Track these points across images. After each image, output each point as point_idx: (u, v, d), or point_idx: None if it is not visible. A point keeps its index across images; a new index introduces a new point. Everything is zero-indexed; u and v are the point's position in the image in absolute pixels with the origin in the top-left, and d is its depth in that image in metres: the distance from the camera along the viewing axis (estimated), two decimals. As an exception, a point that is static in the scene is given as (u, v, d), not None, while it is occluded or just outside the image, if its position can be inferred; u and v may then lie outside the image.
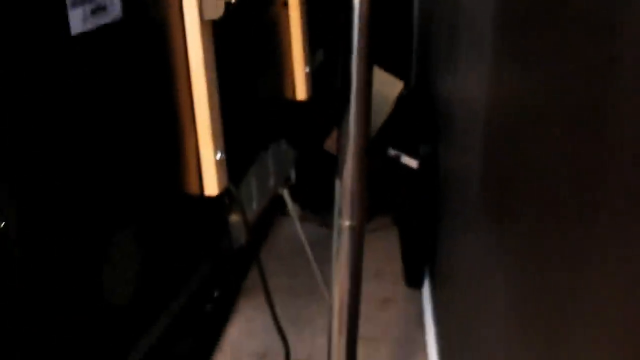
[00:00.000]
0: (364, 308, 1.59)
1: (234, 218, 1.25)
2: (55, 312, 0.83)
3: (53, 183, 0.81)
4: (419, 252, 2.82)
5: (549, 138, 0.92)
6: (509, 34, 1.30)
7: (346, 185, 1.47)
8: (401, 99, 2.80)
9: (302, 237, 2.16)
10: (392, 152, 2.76)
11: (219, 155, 1.12)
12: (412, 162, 2.73)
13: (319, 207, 3.04)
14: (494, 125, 1.44)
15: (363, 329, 1.62)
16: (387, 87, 2.76)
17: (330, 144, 1.91)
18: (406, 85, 3.00)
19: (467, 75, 1.94)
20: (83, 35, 0.85)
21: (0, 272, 0.75)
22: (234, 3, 1.05)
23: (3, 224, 0.75)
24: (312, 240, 2.23)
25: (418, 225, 2.76)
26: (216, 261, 1.22)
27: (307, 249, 2.16)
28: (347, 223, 1.49)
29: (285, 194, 1.66)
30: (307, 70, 1.50)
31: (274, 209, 3.05)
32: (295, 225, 2.16)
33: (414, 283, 2.85)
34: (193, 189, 1.11)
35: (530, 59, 1.07)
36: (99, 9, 0.88)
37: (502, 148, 1.35)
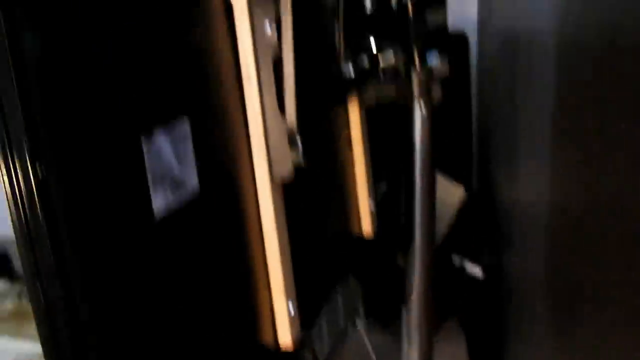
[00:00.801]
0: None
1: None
2: None
3: (148, 337, 0.86)
4: (486, 357, 2.81)
5: (609, 245, 0.93)
6: (568, 138, 1.32)
7: (414, 313, 1.50)
8: (463, 206, 2.82)
9: (370, 349, 2.17)
10: (456, 260, 2.77)
11: (292, 308, 1.15)
12: (476, 271, 2.73)
13: (386, 317, 3.05)
14: (556, 232, 1.46)
15: None
16: (449, 194, 2.78)
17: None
18: (468, 191, 3.02)
19: (527, 178, 1.96)
20: (165, 215, 0.91)
21: None
22: (303, 165, 1.10)
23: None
24: (379, 351, 2.24)
25: (485, 332, 2.75)
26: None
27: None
28: (415, 351, 1.51)
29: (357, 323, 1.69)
30: (372, 205, 1.54)
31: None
32: (362, 336, 2.17)
33: (483, 389, 2.83)
34: (268, 340, 1.15)
35: (591, 163, 1.09)
36: (178, 186, 0.94)
37: (565, 255, 1.37)
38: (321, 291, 1.37)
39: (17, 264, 4.24)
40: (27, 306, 3.01)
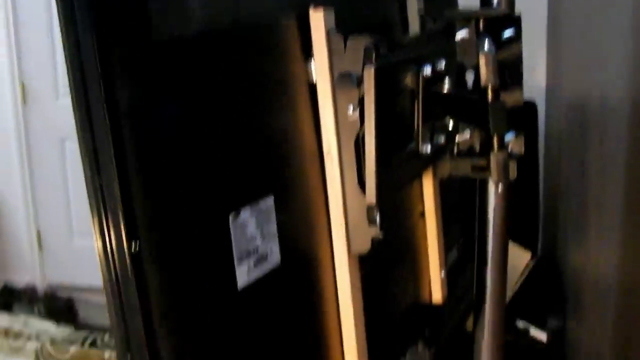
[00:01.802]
0: None
1: None
2: None
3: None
4: None
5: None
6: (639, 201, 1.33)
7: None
8: (529, 270, 2.82)
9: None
10: (520, 323, 2.76)
11: (364, 376, 1.18)
12: (541, 335, 2.72)
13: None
14: (625, 303, 1.46)
15: None
16: (515, 258, 2.78)
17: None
18: (533, 255, 3.02)
19: (596, 245, 1.96)
20: (247, 286, 0.94)
21: None
22: (380, 238, 1.13)
23: None
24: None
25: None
26: None
27: None
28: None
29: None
30: (443, 274, 1.56)
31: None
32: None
33: None
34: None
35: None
36: (261, 260, 0.97)
37: (633, 328, 1.37)
38: (391, 357, 1.39)
39: (82, 312, 4.31)
40: (89, 352, 3.07)
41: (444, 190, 1.56)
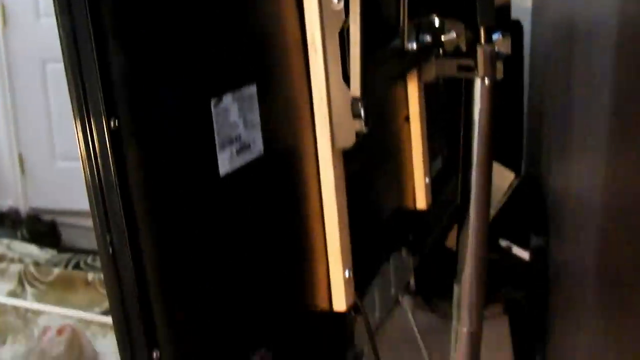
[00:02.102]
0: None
1: (359, 327, 1.30)
2: None
3: (200, 305, 0.89)
4: (530, 342, 2.81)
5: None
6: (626, 127, 1.32)
7: (465, 290, 1.51)
8: (512, 190, 2.82)
9: (414, 328, 2.19)
10: (503, 243, 2.78)
11: (347, 273, 1.17)
12: (523, 254, 2.74)
13: (430, 294, 3.06)
14: (609, 220, 1.46)
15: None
16: (499, 178, 2.79)
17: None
18: (517, 175, 3.02)
19: (581, 166, 1.96)
20: (229, 174, 0.93)
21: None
22: (365, 133, 1.11)
23: (159, 353, 0.82)
24: (425, 328, 2.26)
25: (529, 315, 2.76)
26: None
27: (419, 338, 2.18)
28: (465, 329, 1.52)
29: (404, 298, 1.71)
30: (428, 180, 1.56)
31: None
32: (408, 316, 2.19)
33: (525, 374, 2.84)
34: (323, 305, 1.17)
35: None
36: (243, 148, 0.96)
37: (616, 243, 1.37)
38: (375, 259, 1.39)
39: (65, 235, 4.30)
40: (72, 274, 3.06)
41: (430, 97, 1.54)
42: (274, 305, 1.05)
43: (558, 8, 2.64)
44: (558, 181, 2.47)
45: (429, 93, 1.53)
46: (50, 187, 4.40)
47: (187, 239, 0.87)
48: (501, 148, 2.86)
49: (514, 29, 3.24)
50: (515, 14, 3.36)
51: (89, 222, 0.81)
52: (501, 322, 2.97)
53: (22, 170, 4.52)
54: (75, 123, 0.78)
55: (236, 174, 0.95)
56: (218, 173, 0.92)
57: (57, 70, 4.11)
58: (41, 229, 4.41)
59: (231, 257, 0.95)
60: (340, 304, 1.19)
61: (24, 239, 4.26)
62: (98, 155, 0.77)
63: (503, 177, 2.82)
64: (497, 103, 1.32)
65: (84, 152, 0.78)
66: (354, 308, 1.24)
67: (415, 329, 2.19)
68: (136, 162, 0.79)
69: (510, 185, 2.84)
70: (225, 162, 0.93)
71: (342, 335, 1.25)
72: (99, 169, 0.78)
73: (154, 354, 0.82)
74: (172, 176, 0.84)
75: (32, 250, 3.94)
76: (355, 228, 1.21)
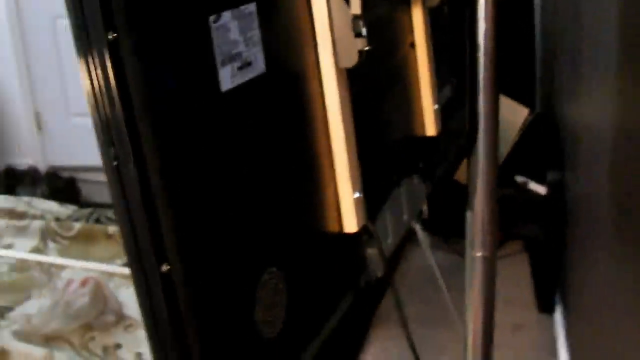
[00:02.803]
0: (496, 334, 1.61)
1: (371, 252, 1.30)
2: (215, 344, 0.90)
3: (209, 222, 0.89)
4: (550, 277, 2.82)
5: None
6: (635, 57, 1.31)
7: (477, 216, 1.51)
8: (527, 126, 2.82)
9: (434, 266, 2.20)
10: (520, 179, 2.77)
11: (357, 195, 1.18)
12: (540, 189, 2.74)
13: (449, 234, 3.07)
14: (621, 150, 1.46)
15: (495, 355, 1.64)
16: (513, 114, 2.78)
17: (459, 174, 1.95)
18: (531, 111, 3.01)
19: (592, 97, 1.95)
20: (232, 90, 0.94)
21: (168, 312, 0.83)
22: (367, 50, 1.11)
23: (168, 267, 0.83)
24: (444, 268, 2.27)
25: (548, 251, 2.76)
26: (356, 295, 1.28)
27: (439, 277, 2.19)
28: (479, 254, 1.53)
29: (417, 226, 1.71)
30: (436, 107, 1.55)
31: (406, 239, 3.08)
32: (426, 253, 2.20)
33: (545, 308, 2.84)
34: (334, 227, 1.18)
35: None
36: (245, 65, 0.96)
37: (630, 173, 1.37)
38: (385, 184, 1.39)
39: (85, 191, 4.32)
40: (93, 228, 3.07)
41: (436, 24, 1.54)
42: (284, 225, 1.06)
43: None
44: (571, 115, 2.46)
45: (435, 19, 1.52)
46: (67, 143, 4.40)
47: (193, 155, 0.87)
48: (515, 85, 2.85)
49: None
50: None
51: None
52: (521, 259, 2.98)
53: (39, 128, 4.53)
54: (74, 38, 0.79)
55: (238, 90, 0.95)
56: (219, 88, 0.92)
57: (68, 25, 4.09)
58: (60, 185, 4.43)
59: (238, 174, 0.95)
60: (350, 225, 1.19)
61: (43, 196, 4.29)
62: (97, 67, 0.78)
63: (517, 113, 2.81)
64: (502, 24, 1.31)
65: (84, 67, 0.79)
66: (365, 230, 1.24)
67: (435, 265, 2.20)
68: (136, 73, 0.79)
69: (525, 121, 2.83)
70: (227, 78, 0.93)
71: (354, 258, 1.26)
72: (99, 82, 0.78)
73: (163, 267, 0.83)
74: (173, 91, 0.85)
75: (53, 206, 3.97)
76: (364, 151, 1.21)
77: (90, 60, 0.77)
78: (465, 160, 1.50)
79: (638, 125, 1.32)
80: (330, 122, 1.15)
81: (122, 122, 0.78)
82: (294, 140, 1.09)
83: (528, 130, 2.83)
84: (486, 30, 1.32)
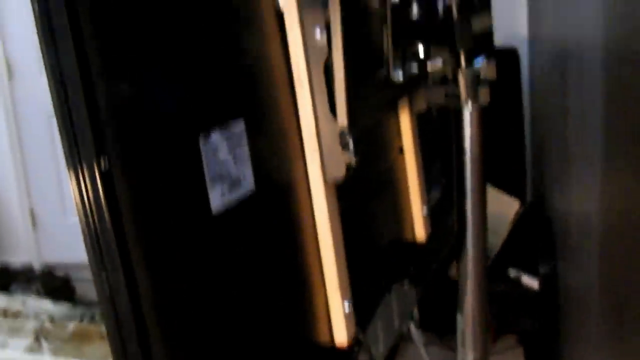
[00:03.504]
0: None
1: (363, 360, 1.30)
2: None
3: (201, 346, 0.90)
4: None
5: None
6: (619, 148, 1.34)
7: (468, 318, 1.52)
8: (518, 218, 2.83)
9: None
10: (512, 272, 2.78)
11: (347, 307, 1.18)
12: (533, 283, 2.74)
13: (443, 331, 3.06)
14: (608, 241, 1.47)
15: None
16: (503, 207, 2.80)
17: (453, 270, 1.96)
18: (522, 202, 3.03)
19: (579, 189, 1.97)
20: (222, 210, 0.95)
21: None
22: (355, 165, 1.13)
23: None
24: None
25: (543, 344, 2.75)
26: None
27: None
28: (471, 356, 1.53)
29: (411, 324, 1.71)
30: (425, 210, 1.57)
31: (399, 338, 3.06)
32: (421, 351, 2.19)
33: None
34: (324, 338, 1.18)
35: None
36: (234, 184, 0.98)
37: (617, 263, 1.38)
38: (376, 292, 1.40)
39: (79, 289, 4.31)
40: (88, 328, 3.07)
41: (424, 126, 1.56)
42: (274, 341, 1.06)
43: (551, 36, 2.66)
44: (561, 207, 2.48)
45: (423, 122, 1.55)
46: (62, 241, 4.42)
47: (183, 278, 0.88)
48: (505, 176, 2.88)
49: (509, 57, 3.28)
50: (511, 40, 3.40)
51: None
52: (517, 353, 2.97)
53: (34, 226, 4.54)
54: (67, 165, 0.80)
55: (228, 210, 0.96)
56: (210, 210, 0.93)
57: (63, 124, 4.14)
58: (55, 283, 4.42)
59: (229, 292, 0.96)
60: (341, 337, 1.19)
61: (38, 293, 4.27)
62: (90, 196, 0.79)
63: (508, 206, 2.83)
64: (487, 129, 1.34)
65: (76, 193, 0.80)
66: (357, 342, 1.24)
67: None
68: (128, 200, 0.81)
69: (516, 213, 2.85)
70: (217, 199, 0.95)
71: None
72: (92, 210, 0.80)
73: None
74: (164, 215, 0.86)
75: (47, 305, 3.96)
76: (353, 261, 1.22)
77: (81, 179, 0.79)
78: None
79: (622, 219, 1.34)
80: (319, 233, 1.16)
81: (114, 249, 0.79)
82: (284, 254, 1.10)
83: (519, 223, 2.84)
84: (472, 135, 1.35)
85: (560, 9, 2.31)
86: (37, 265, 4.56)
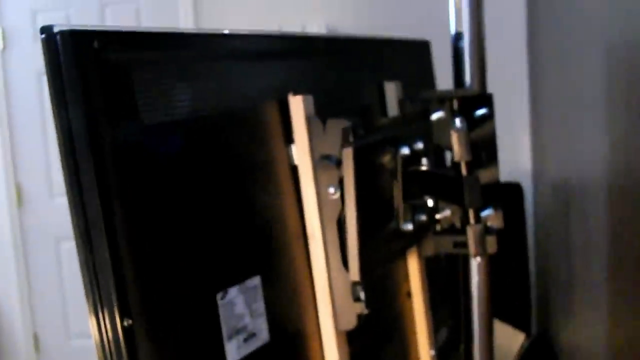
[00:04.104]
0: None
1: None
2: None
3: None
4: None
5: None
6: (625, 284, 1.36)
7: None
8: (523, 352, 2.83)
9: None
10: (518, 406, 2.76)
11: None
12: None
13: None
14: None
15: None
16: (509, 339, 2.80)
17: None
18: (527, 335, 3.03)
19: (586, 325, 1.98)
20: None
21: None
22: (366, 315, 1.16)
23: None
24: None
25: None
26: None
27: None
28: None
29: None
30: (433, 353, 1.58)
31: None
32: None
33: None
34: None
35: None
36: (250, 337, 1.01)
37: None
38: None
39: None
40: None
41: (431, 270, 1.59)
42: None
43: (555, 170, 2.72)
44: (566, 339, 2.48)
45: (430, 265, 1.57)
46: (65, 364, 4.40)
47: None
48: (510, 309, 2.89)
49: (514, 192, 3.33)
50: (515, 175, 3.46)
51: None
52: None
53: (37, 350, 4.53)
54: (91, 321, 0.83)
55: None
56: (226, 362, 0.96)
57: (70, 248, 4.20)
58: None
59: None
60: None
61: None
62: (113, 352, 0.82)
63: (513, 339, 2.83)
64: (493, 276, 1.37)
65: (99, 348, 0.83)
66: None
67: None
68: (149, 355, 0.83)
69: (521, 346, 2.84)
70: (233, 352, 0.97)
71: None
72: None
73: None
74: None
75: None
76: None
77: (107, 351, 0.82)
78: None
79: (628, 354, 1.35)
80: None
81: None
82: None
83: (524, 355, 2.83)
84: (479, 282, 1.38)
85: (565, 148, 2.37)
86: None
